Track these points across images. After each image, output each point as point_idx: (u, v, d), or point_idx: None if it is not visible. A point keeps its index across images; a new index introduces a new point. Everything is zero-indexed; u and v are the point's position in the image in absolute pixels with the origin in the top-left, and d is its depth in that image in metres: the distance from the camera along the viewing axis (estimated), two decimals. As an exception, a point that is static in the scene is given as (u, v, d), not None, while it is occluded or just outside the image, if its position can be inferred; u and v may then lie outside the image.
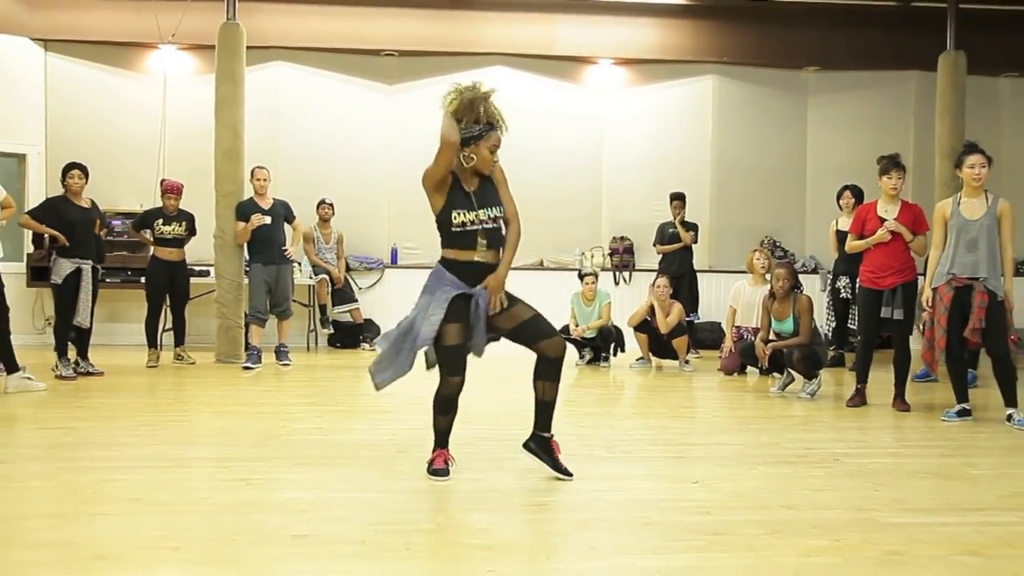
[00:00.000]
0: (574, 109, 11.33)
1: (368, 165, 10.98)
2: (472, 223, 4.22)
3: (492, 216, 4.27)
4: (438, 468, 4.20)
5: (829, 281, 9.01)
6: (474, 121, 4.37)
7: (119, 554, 3.14)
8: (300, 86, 11.04)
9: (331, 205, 10.33)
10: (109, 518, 3.59)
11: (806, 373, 6.95)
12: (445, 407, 4.27)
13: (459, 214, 4.23)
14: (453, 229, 4.24)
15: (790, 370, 7.16)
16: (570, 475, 4.17)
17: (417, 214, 10.92)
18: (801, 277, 7.48)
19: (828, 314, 8.79)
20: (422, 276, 11.80)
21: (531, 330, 4.23)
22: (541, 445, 4.25)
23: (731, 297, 8.60)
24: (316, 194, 10.28)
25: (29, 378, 6.85)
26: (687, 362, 8.78)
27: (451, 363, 4.17)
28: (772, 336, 7.33)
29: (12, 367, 6.78)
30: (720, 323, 9.39)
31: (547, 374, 4.30)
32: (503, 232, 4.35)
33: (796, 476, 4.37)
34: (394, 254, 11.05)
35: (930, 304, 5.99)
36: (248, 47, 9.37)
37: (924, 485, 4.24)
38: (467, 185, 4.32)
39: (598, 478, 4.28)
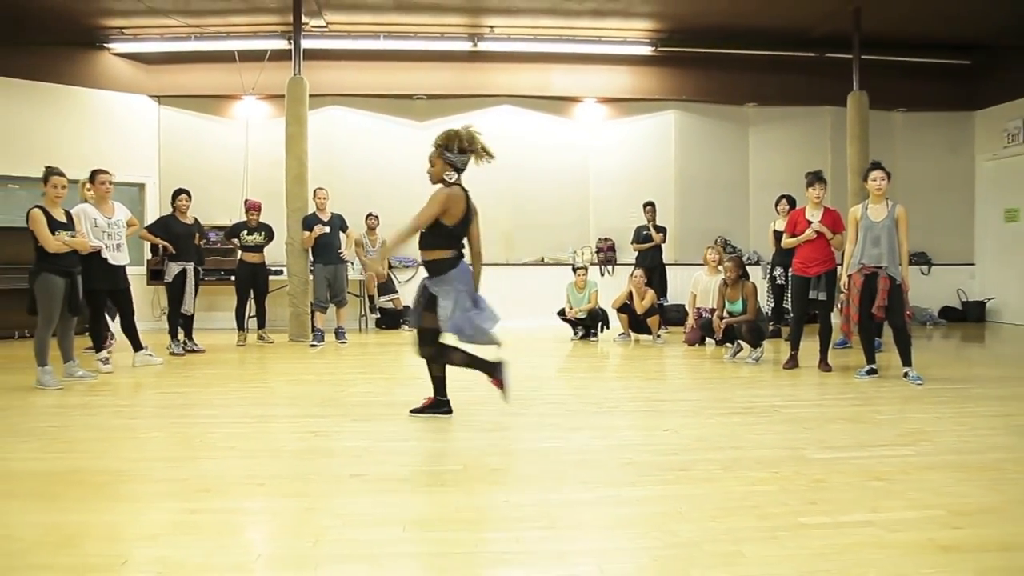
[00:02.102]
0: (565, 138, 11.30)
1: (404, 185, 10.88)
2: None
3: None
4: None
5: (768, 270, 8.97)
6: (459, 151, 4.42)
7: (220, 488, 3.19)
8: (350, 124, 11.04)
9: (376, 216, 10.33)
10: (211, 461, 3.63)
11: (752, 343, 6.94)
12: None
13: None
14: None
15: (739, 341, 7.16)
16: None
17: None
18: (746, 268, 7.46)
19: (768, 297, 8.76)
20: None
21: None
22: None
23: (692, 284, 8.58)
24: (364, 208, 10.29)
25: (150, 355, 6.91)
26: (659, 336, 8.78)
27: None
28: (725, 314, 7.33)
29: (137, 347, 6.85)
30: (684, 305, 9.37)
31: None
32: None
33: (744, 424, 4.38)
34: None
35: (846, 287, 5.99)
36: (310, 95, 9.37)
37: (841, 428, 4.25)
38: None
39: (590, 428, 4.30)
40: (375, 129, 11.09)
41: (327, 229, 8.66)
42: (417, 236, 4.44)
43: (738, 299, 7.23)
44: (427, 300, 4.35)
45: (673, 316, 9.94)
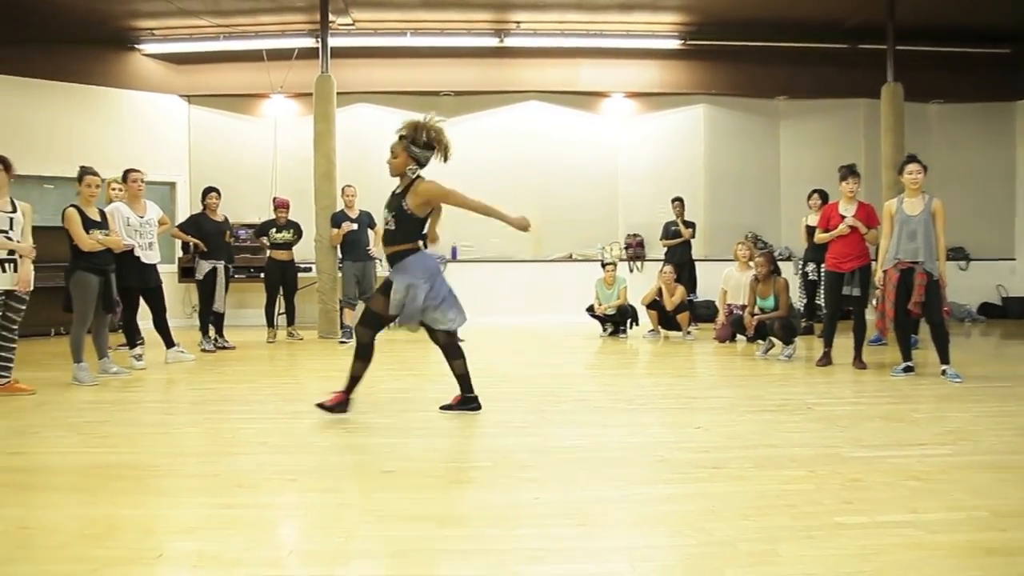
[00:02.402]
0: (594, 133, 11.26)
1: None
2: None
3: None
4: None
5: (800, 266, 8.88)
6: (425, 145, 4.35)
7: (253, 483, 3.23)
8: (378, 122, 11.01)
9: (405, 214, 10.40)
10: (244, 456, 3.69)
11: (784, 339, 6.88)
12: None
13: None
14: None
15: (771, 337, 7.09)
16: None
17: (472, 219, 10.96)
18: (778, 263, 7.38)
19: (800, 293, 8.66)
20: (477, 268, 11.93)
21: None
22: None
23: (723, 280, 8.51)
24: (393, 206, 10.33)
25: (182, 352, 7.02)
26: (689, 333, 8.72)
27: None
28: (757, 311, 7.26)
29: (169, 343, 6.95)
30: (714, 301, 9.30)
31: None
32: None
33: (776, 421, 4.33)
34: (454, 251, 11.06)
35: (881, 283, 5.89)
36: (337, 93, 9.45)
37: (877, 426, 4.18)
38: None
39: (620, 425, 4.28)
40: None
41: (355, 226, 8.71)
42: (390, 230, 4.35)
43: (770, 295, 7.16)
44: (385, 284, 4.36)
45: (703, 312, 9.87)
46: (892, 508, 2.84)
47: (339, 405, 4.40)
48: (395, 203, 4.36)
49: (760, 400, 4.98)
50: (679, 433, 4.10)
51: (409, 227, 4.35)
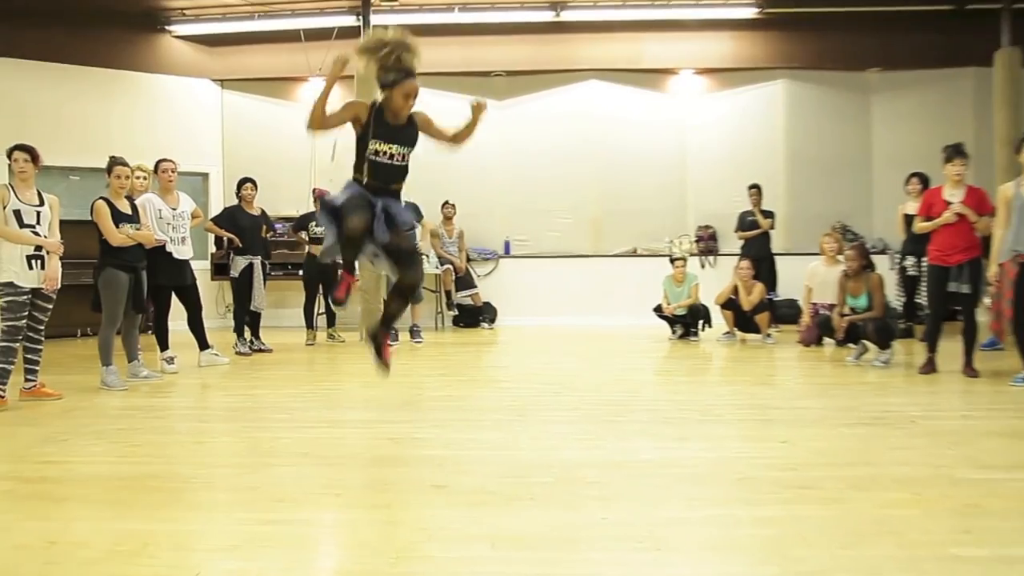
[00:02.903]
0: (660, 114, 11.17)
1: (483, 171, 11.04)
2: (383, 154, 4.09)
3: (401, 153, 4.15)
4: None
5: (897, 260, 8.65)
6: (392, 67, 4.06)
7: (294, 498, 3.26)
8: (424, 105, 11.13)
9: (453, 205, 10.45)
10: (284, 468, 3.72)
11: (880, 343, 6.70)
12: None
13: (375, 143, 4.08)
14: (368, 156, 4.08)
15: (865, 341, 6.92)
16: (387, 367, 4.22)
17: (526, 211, 11.15)
18: (871, 257, 7.20)
19: (898, 290, 8.43)
20: (531, 264, 11.91)
21: (403, 260, 4.21)
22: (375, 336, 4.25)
23: (807, 277, 8.36)
24: (441, 196, 10.41)
25: (216, 354, 7.17)
26: (769, 335, 8.58)
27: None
28: (847, 311, 7.10)
29: (204, 345, 7.11)
30: (797, 300, 9.14)
31: (398, 294, 4.32)
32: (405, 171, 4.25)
33: (874, 436, 4.20)
34: (507, 246, 11.11)
35: (996, 278, 5.70)
36: (381, 74, 9.50)
37: (995, 444, 4.00)
38: (391, 119, 4.14)
39: (695, 438, 4.21)
40: (450, 110, 11.07)
41: (397, 218, 8.74)
42: (403, 166, 4.24)
43: (862, 293, 7.00)
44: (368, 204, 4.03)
45: (785, 313, 9.71)
46: (1019, 540, 2.71)
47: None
48: (412, 137, 4.25)
49: (854, 412, 4.84)
50: (761, 448, 4.00)
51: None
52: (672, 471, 3.57)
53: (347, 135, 4.21)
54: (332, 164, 9.48)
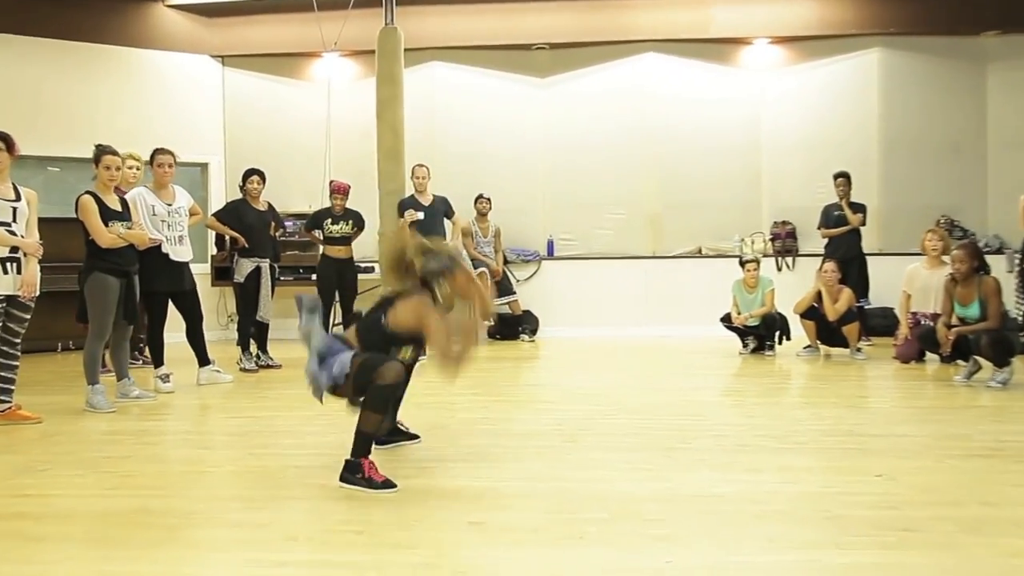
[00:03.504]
0: (729, 91, 11.17)
1: (523, 159, 11.10)
2: None
3: None
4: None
5: (1018, 261, 8.49)
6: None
7: (309, 536, 3.29)
8: (455, 84, 11.25)
9: (488, 200, 10.48)
10: (297, 501, 3.76)
11: (996, 360, 6.59)
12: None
13: None
14: None
15: (977, 357, 6.81)
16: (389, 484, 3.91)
17: (572, 206, 11.17)
18: (984, 258, 7.08)
19: (1018, 297, 8.27)
20: (579, 267, 11.97)
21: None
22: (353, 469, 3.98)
23: (904, 281, 8.26)
24: (474, 189, 10.47)
25: (218, 371, 7.26)
26: (859, 350, 8.49)
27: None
28: (955, 321, 7.00)
29: (204, 361, 7.20)
30: (893, 309, 9.03)
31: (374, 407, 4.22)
32: None
33: (992, 471, 4.12)
34: (550, 246, 11.12)
35: None
36: (405, 49, 9.58)
37: None
38: None
39: (772, 469, 4.17)
40: (486, 89, 11.26)
41: (420, 215, 8.77)
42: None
43: (974, 300, 6.90)
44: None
45: (878, 323, 9.64)
46: None
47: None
48: None
49: (965, 441, 4.77)
50: (852, 483, 3.95)
51: None
52: (746, 507, 3.54)
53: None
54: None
